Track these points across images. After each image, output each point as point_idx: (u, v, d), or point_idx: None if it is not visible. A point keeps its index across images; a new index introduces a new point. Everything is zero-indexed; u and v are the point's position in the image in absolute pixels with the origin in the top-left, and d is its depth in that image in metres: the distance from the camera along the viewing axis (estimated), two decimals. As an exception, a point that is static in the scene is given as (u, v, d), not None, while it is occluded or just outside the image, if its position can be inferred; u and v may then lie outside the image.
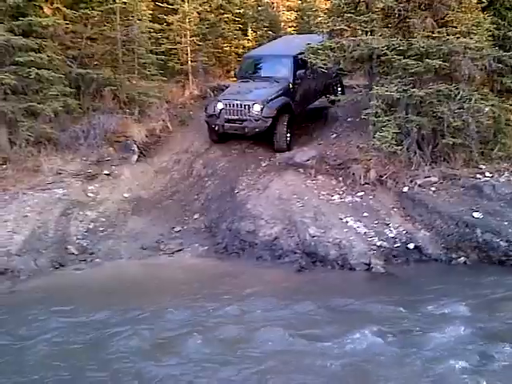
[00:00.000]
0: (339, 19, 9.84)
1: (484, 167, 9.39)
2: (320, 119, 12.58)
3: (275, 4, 19.74)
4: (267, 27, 18.22)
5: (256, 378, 4.35)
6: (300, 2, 19.09)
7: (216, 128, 11.47)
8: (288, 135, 11.38)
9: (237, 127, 11.26)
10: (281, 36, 17.00)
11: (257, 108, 11.04)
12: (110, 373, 4.71)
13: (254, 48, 16.97)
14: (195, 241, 8.98)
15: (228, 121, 11.29)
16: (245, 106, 11.14)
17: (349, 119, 11.69)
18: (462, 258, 7.59)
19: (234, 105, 11.25)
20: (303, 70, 11.94)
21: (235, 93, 11.75)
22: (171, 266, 8.03)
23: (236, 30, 16.25)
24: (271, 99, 11.27)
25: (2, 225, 8.84)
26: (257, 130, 11.06)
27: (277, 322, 5.18)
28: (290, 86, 11.78)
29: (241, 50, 16.66)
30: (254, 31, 17.49)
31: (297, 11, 19.08)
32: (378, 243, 7.97)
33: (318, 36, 11.84)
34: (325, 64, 10.05)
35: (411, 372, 4.25)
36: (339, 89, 13.34)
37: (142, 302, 6.48)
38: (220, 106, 11.35)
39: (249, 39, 17.15)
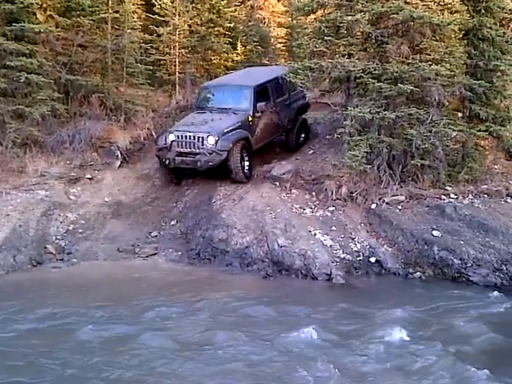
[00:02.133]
0: (319, 41, 10.49)
1: (450, 189, 10.04)
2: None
3: (266, 20, 20.41)
4: (257, 42, 18.89)
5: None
6: (290, 19, 19.79)
7: (166, 162, 10.77)
8: (246, 164, 10.97)
9: (189, 161, 10.62)
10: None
11: (211, 140, 10.49)
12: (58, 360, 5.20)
13: (242, 62, 17.72)
14: (170, 246, 9.55)
15: (179, 154, 10.66)
16: (198, 138, 10.58)
17: (327, 136, 12.30)
18: (418, 273, 8.20)
19: (186, 136, 10.68)
20: (264, 103, 11.56)
21: (189, 124, 11.14)
22: (143, 269, 8.57)
23: (225, 43, 16.85)
24: (227, 132, 10.76)
25: (-16, 222, 9.36)
26: (210, 164, 10.49)
27: (229, 323, 5.73)
28: (249, 118, 11.28)
29: (229, 64, 17.29)
30: (244, 45, 18.13)
31: (287, 28, 19.78)
32: (342, 255, 8.57)
33: (281, 68, 12.29)
34: (303, 83, 10.65)
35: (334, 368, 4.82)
36: (302, 134, 12.65)
37: (108, 299, 7.01)
38: (171, 137, 10.78)
39: (238, 53, 17.80)
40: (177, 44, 14.80)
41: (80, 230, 9.98)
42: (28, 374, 5.11)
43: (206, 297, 7.22)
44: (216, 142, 10.49)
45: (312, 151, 11.98)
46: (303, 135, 12.78)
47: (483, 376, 4.65)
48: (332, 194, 10.18)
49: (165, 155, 10.81)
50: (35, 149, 11.52)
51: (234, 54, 17.68)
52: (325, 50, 10.50)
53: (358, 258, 8.57)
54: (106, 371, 5.10)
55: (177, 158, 10.65)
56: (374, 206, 9.80)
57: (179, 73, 14.88)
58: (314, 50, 10.51)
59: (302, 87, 11.87)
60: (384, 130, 10.07)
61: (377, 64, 10.05)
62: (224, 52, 16.93)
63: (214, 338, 5.59)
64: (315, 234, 9.11)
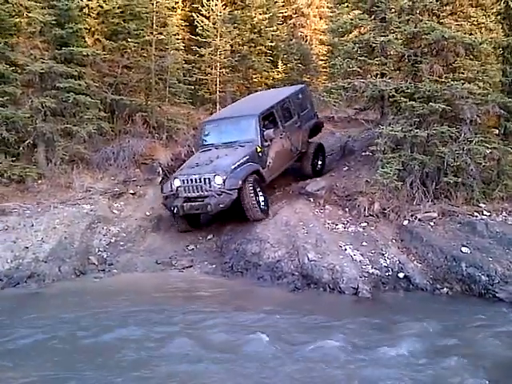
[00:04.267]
0: (353, 61, 10.95)
1: (484, 206, 10.19)
2: (338, 151, 13.67)
3: (308, 38, 21.04)
4: (298, 60, 19.53)
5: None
6: (331, 37, 20.30)
7: (175, 210, 10.25)
8: (261, 200, 10.47)
9: (198, 206, 10.05)
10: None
11: (218, 180, 9.95)
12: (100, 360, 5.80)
13: (283, 80, 18.34)
14: (205, 259, 10.12)
15: (188, 200, 10.17)
16: (205, 179, 10.05)
17: (363, 153, 12.66)
18: (446, 289, 8.42)
19: (192, 180, 10.17)
20: (272, 130, 11.07)
21: (193, 165, 10.61)
22: (179, 279, 9.14)
23: (266, 62, 17.61)
24: (235, 168, 10.16)
25: (34, 234, 10.17)
26: (221, 206, 9.91)
27: (258, 329, 6.20)
28: (258, 149, 10.75)
29: (270, 81, 18.00)
30: (285, 64, 18.80)
31: (328, 45, 20.30)
32: (371, 270, 8.88)
33: (288, 89, 12.29)
34: (336, 103, 11.09)
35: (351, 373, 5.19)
36: (318, 160, 12.51)
37: (146, 305, 7.61)
38: (177, 183, 10.35)
39: (279, 71, 18.46)
40: (218, 64, 15.58)
41: (121, 243, 10.69)
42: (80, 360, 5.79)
43: (239, 305, 7.73)
44: (224, 182, 9.93)
45: (347, 168, 12.36)
46: (320, 162, 12.57)
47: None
48: (365, 210, 10.50)
49: (172, 203, 10.33)
50: (82, 165, 12.42)
51: (275, 72, 18.39)
52: (358, 69, 10.96)
53: (387, 274, 8.86)
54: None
55: (185, 204, 10.14)
56: (406, 222, 10.05)
57: (220, 91, 15.60)
58: (348, 69, 10.98)
59: (312, 106, 12.03)
60: (417, 148, 10.36)
61: (409, 83, 10.40)
62: (264, 70, 17.65)
63: (239, 342, 6.04)
64: (345, 249, 9.45)
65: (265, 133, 10.91)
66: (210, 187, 10.00)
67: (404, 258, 9.25)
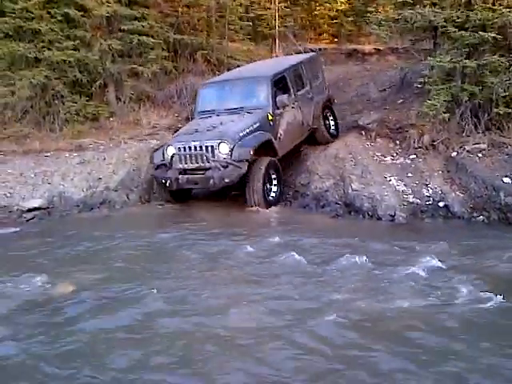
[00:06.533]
0: (404, -9, 11.02)
1: (537, 137, 10.29)
2: (395, 85, 13.84)
3: (375, -36, 20.53)
4: (365, -12, 19.24)
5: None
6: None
7: (167, 183, 9.06)
8: (272, 188, 9.27)
9: (197, 179, 8.84)
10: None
11: (224, 149, 8.70)
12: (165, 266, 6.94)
13: (346, 11, 18.33)
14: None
15: (183, 171, 8.94)
16: (207, 147, 8.76)
17: (419, 86, 12.80)
18: (482, 217, 8.85)
19: (190, 148, 8.88)
20: (286, 96, 9.76)
21: (192, 132, 9.26)
22: (235, 208, 10.03)
23: (329, -8, 17.68)
24: (244, 135, 8.88)
25: (106, 166, 11.41)
26: (227, 180, 8.66)
27: (293, 248, 7.12)
28: (269, 116, 9.41)
29: (333, 13, 18.08)
30: (349, -6, 18.70)
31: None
32: (411, 200, 9.40)
33: (301, 56, 11.58)
34: (386, 35, 11.27)
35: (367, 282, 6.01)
36: (331, 123, 11.63)
37: (202, 230, 8.66)
38: (171, 150, 9.08)
39: (342, 2, 18.43)
40: (277, -2, 15.93)
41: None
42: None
43: (282, 229, 8.63)
44: (231, 150, 8.66)
45: (402, 100, 12.62)
46: (332, 122, 11.69)
47: (498, 299, 5.46)
48: (414, 142, 10.87)
49: (164, 175, 9.14)
50: (148, 103, 13.49)
51: (338, 3, 18.40)
52: (409, 0, 11.03)
53: (427, 203, 9.34)
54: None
55: (180, 176, 8.93)
56: (454, 154, 10.34)
57: (279, 26, 15.99)
58: (399, 0, 11.08)
59: (324, 77, 11.47)
60: (468, 79, 10.50)
61: (461, 11, 10.41)
62: (327, 2, 17.75)
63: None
64: (390, 180, 9.99)
65: (277, 98, 9.63)
66: (214, 157, 8.70)
67: (447, 188, 9.67)
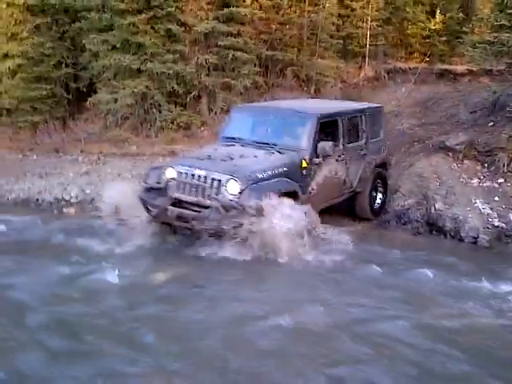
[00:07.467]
0: (501, 14, 10.99)
1: None
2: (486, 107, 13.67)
3: (471, -17, 20.26)
4: (460, 8, 18.99)
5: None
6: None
7: (153, 213, 7.27)
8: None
9: (189, 216, 6.91)
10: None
11: (233, 188, 6.89)
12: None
13: (440, 31, 18.19)
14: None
15: (178, 203, 7.14)
16: (212, 180, 6.98)
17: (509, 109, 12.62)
18: None
19: (193, 176, 7.12)
20: (330, 144, 7.79)
21: (203, 157, 7.40)
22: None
23: (422, 12, 17.66)
24: (263, 178, 7.04)
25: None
26: (224, 227, 6.62)
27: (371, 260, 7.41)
28: (303, 163, 7.60)
29: (426, 33, 18.02)
30: (443, 14, 18.55)
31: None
32: (496, 223, 9.32)
33: (363, 104, 9.92)
34: (480, 57, 11.23)
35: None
36: (379, 196, 9.88)
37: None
38: (170, 173, 7.36)
39: (436, 21, 18.30)
40: (369, 17, 16.13)
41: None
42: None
43: (362, 244, 8.82)
44: (241, 192, 6.82)
45: (492, 123, 12.46)
46: (380, 196, 9.84)
47: None
48: (504, 166, 10.79)
49: (152, 201, 7.28)
50: (239, 115, 14.13)
51: (432, 23, 18.29)
52: (506, 23, 10.98)
53: (513, 228, 9.29)
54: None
55: (171, 208, 7.09)
56: (545, 180, 10.21)
57: (370, 45, 16.21)
58: (495, 23, 11.05)
59: (384, 135, 9.85)
60: None
61: (560, 36, 10.28)
62: (420, 21, 17.73)
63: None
64: (475, 202, 9.94)
65: (320, 144, 7.74)
66: (218, 194, 6.92)
67: (536, 214, 9.53)
